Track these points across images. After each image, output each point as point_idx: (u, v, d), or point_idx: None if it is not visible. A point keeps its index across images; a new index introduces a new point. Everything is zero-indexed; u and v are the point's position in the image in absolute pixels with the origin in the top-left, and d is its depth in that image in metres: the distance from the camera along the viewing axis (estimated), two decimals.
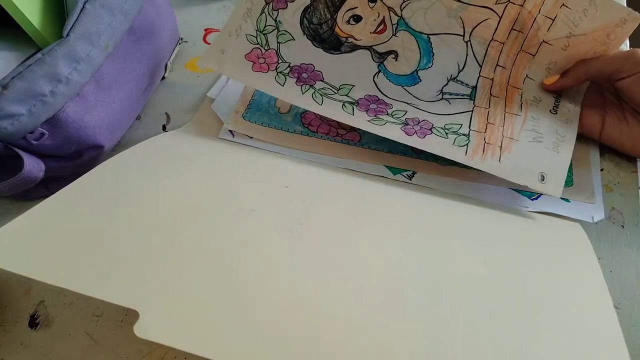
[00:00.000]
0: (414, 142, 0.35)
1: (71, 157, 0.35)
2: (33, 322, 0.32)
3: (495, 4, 0.36)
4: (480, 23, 0.37)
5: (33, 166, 0.31)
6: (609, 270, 0.32)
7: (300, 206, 0.30)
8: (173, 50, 0.45)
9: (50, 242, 0.25)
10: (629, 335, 0.30)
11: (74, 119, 0.32)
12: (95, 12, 0.33)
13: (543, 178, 0.33)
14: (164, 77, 0.45)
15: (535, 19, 0.36)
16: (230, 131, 0.39)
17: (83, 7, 0.32)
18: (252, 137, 0.39)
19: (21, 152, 0.30)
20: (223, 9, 0.51)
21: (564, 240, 0.31)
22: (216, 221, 0.28)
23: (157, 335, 0.19)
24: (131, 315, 0.32)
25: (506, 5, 0.36)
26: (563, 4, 0.35)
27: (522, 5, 0.36)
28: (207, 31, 0.49)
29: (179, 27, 0.45)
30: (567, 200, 0.35)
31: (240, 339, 0.20)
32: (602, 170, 0.37)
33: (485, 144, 0.35)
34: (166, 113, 0.43)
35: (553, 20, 0.36)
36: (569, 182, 0.36)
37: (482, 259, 0.28)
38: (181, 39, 0.47)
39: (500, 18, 0.37)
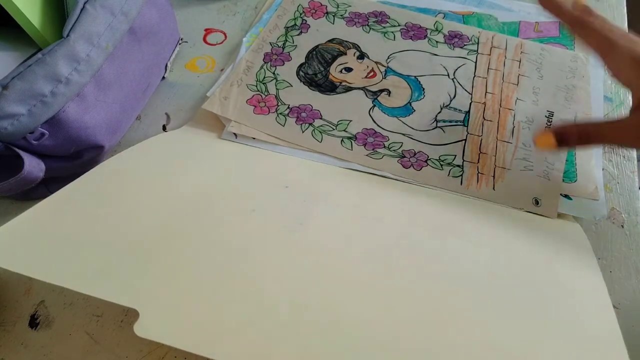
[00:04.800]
0: (411, 174, 0.37)
1: (71, 157, 0.35)
2: (33, 322, 0.32)
3: (467, 54, 0.43)
4: (460, 67, 0.43)
5: (33, 166, 0.31)
6: (609, 270, 0.33)
7: (300, 206, 0.30)
8: (173, 51, 0.45)
9: (51, 242, 0.25)
10: (628, 335, 0.30)
11: (74, 119, 0.32)
12: (96, 12, 0.33)
13: (537, 202, 0.35)
14: (164, 77, 0.45)
15: (504, 61, 0.43)
16: (234, 134, 0.40)
17: (83, 7, 0.32)
18: (254, 138, 0.39)
19: (21, 152, 0.30)
20: (223, 9, 0.51)
21: (563, 241, 0.31)
22: (216, 221, 0.28)
23: (157, 335, 0.19)
24: (131, 315, 0.32)
25: (476, 56, 0.43)
26: (522, 51, 0.43)
27: (489, 54, 0.43)
28: (207, 31, 0.49)
29: (179, 27, 0.45)
30: (569, 198, 0.35)
31: (240, 339, 0.20)
32: (602, 170, 0.37)
33: (479, 174, 0.37)
34: (166, 113, 0.43)
35: (519, 61, 0.43)
36: (572, 178, 0.36)
37: (481, 259, 0.28)
38: (181, 39, 0.47)
39: (475, 63, 0.43)
